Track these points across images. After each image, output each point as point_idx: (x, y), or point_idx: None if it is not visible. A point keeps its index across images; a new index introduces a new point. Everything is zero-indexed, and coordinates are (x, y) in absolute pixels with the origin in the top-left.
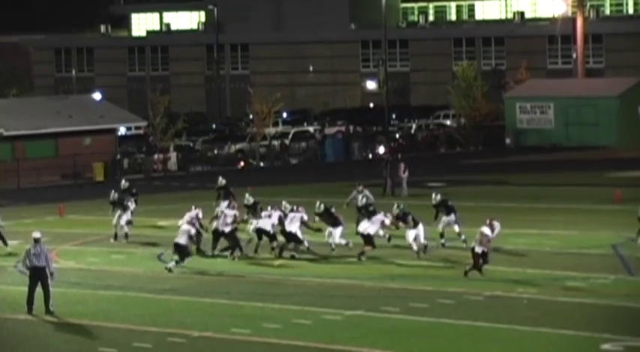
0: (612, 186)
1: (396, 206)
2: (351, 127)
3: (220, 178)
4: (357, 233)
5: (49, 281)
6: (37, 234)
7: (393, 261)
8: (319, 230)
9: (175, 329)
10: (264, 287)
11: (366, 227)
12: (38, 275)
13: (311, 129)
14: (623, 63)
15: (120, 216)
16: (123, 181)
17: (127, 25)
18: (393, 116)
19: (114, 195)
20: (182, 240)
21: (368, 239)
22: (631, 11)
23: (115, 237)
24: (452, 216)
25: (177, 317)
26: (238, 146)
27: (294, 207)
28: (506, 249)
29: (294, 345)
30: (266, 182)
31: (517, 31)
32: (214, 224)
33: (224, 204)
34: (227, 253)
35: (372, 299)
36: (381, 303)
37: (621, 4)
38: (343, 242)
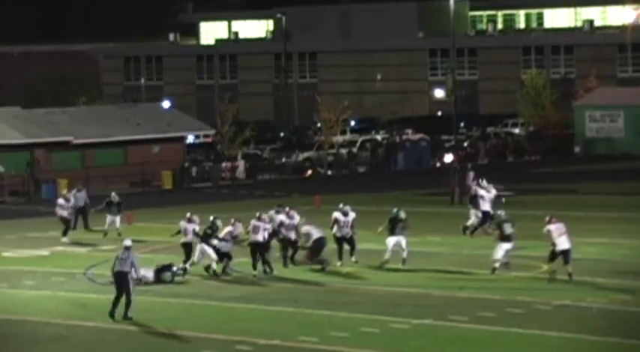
0: None
1: (500, 213)
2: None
3: None
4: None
5: (131, 288)
6: (128, 242)
7: (461, 271)
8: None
9: (243, 337)
10: (331, 296)
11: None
12: (120, 280)
13: (379, 137)
14: None
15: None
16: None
17: (195, 33)
18: (462, 124)
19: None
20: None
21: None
22: None
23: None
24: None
25: (244, 325)
26: (306, 154)
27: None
28: (576, 257)
29: None
30: (333, 190)
31: (587, 39)
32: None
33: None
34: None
35: (440, 308)
36: (449, 312)
37: None
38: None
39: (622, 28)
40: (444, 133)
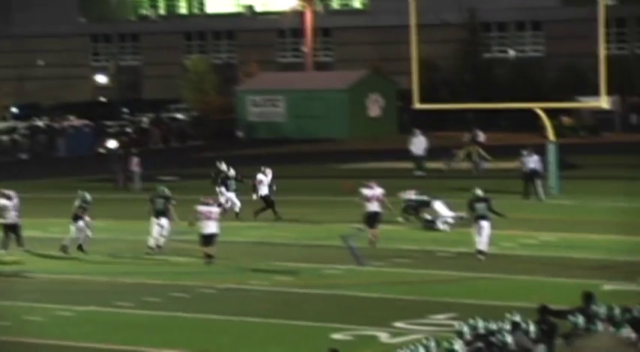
0: (342, 178)
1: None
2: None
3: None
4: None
5: None
6: None
7: (125, 256)
8: None
9: None
10: None
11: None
12: None
13: (41, 123)
14: (351, 56)
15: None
16: None
17: None
18: (125, 110)
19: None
20: None
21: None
22: (359, 6)
23: None
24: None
25: None
26: None
27: None
28: (239, 241)
29: (23, 342)
30: None
31: (248, 25)
32: None
33: None
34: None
35: (105, 294)
36: (114, 298)
37: None
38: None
39: (281, 14)
40: (107, 119)
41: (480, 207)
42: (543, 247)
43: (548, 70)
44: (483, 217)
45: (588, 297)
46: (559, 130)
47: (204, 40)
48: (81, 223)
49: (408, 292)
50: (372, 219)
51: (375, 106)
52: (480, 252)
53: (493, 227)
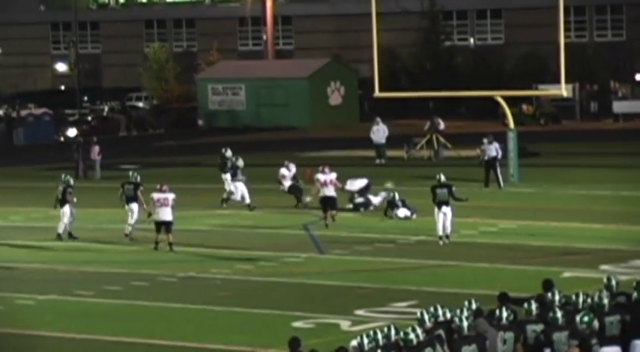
0: (303, 166)
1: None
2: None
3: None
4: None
5: None
6: None
7: (87, 245)
8: None
9: None
10: None
11: None
12: None
13: (0, 112)
14: (312, 44)
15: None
16: None
17: None
18: (85, 98)
19: None
20: None
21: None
22: None
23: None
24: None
25: None
26: None
27: None
28: (201, 229)
29: None
30: None
31: (208, 13)
32: None
33: None
34: None
35: (66, 283)
36: (75, 287)
37: None
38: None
39: (242, 2)
40: (67, 107)
41: (442, 192)
42: (504, 235)
43: (508, 58)
44: (445, 203)
45: (548, 284)
46: (519, 118)
47: (165, 28)
48: (68, 207)
49: (369, 280)
50: (326, 203)
51: (335, 95)
52: (441, 238)
53: (453, 214)
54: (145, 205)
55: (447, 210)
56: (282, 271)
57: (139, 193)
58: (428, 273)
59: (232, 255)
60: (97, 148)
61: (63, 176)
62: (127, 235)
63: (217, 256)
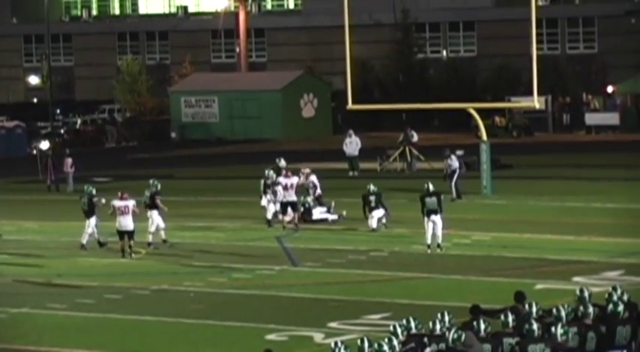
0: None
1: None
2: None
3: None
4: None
5: None
6: None
7: (58, 257)
8: None
9: None
10: None
11: None
12: None
13: None
14: (285, 57)
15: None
16: None
17: None
18: (58, 111)
19: None
20: None
21: None
22: (292, 6)
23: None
24: None
25: None
26: None
27: None
28: (174, 242)
29: None
30: None
31: (181, 26)
32: None
33: None
34: None
35: (38, 296)
36: (47, 300)
37: None
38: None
39: (215, 15)
40: (40, 120)
41: (431, 201)
42: (477, 246)
43: (481, 70)
44: (434, 212)
45: (519, 296)
46: (492, 130)
47: (138, 41)
48: (94, 219)
49: (342, 292)
50: (285, 207)
51: (308, 107)
52: (430, 247)
53: (415, 227)
54: (165, 209)
55: (436, 218)
56: (256, 283)
57: (158, 201)
58: (401, 285)
59: (205, 268)
60: (69, 161)
61: (85, 187)
62: (150, 244)
63: (191, 268)
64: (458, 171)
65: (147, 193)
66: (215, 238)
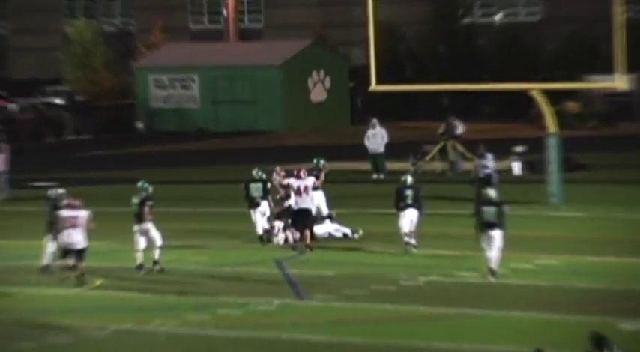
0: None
1: None
2: None
3: None
4: None
5: None
6: None
7: None
8: None
9: None
10: None
11: None
12: None
13: None
14: (287, 22)
15: None
16: None
17: None
18: None
19: None
20: None
21: None
22: None
23: None
24: None
25: None
26: None
27: None
28: (133, 267)
29: None
30: None
31: None
32: None
33: None
34: None
35: None
36: None
37: None
38: None
39: None
40: None
41: (489, 211)
42: (541, 274)
43: (547, 39)
44: (492, 225)
45: (598, 340)
46: (562, 119)
47: (92, 1)
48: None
49: (364, 334)
50: (297, 219)
51: (319, 88)
52: (491, 272)
53: (460, 247)
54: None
55: (495, 233)
56: (248, 322)
57: (146, 209)
58: (441, 325)
59: (182, 301)
60: (2, 156)
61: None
62: (140, 267)
63: (162, 302)
64: (493, 174)
65: (135, 200)
66: (194, 262)
